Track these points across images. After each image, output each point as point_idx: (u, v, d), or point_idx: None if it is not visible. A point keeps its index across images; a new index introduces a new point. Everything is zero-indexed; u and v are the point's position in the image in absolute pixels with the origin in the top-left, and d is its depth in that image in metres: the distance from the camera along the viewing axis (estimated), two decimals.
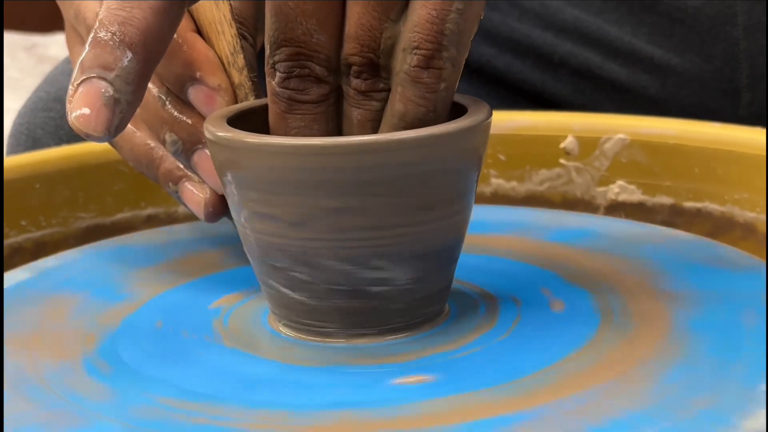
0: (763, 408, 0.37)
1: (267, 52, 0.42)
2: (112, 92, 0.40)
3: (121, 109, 0.40)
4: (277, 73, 0.42)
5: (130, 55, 0.40)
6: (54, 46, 2.61)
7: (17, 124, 0.81)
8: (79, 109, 0.40)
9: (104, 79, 0.40)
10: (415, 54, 0.41)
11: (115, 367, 0.43)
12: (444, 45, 0.41)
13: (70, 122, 0.40)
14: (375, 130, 0.43)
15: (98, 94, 0.40)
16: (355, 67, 0.42)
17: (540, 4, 0.78)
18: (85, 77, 0.40)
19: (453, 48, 0.41)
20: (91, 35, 0.41)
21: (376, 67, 0.42)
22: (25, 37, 2.65)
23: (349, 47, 0.42)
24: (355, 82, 0.42)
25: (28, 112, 0.81)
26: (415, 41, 0.41)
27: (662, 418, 0.37)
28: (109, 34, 0.40)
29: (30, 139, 0.79)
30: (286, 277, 0.43)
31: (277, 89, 0.42)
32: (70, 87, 0.40)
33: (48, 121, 0.79)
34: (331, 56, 0.42)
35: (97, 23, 0.41)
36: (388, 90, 0.42)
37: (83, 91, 0.40)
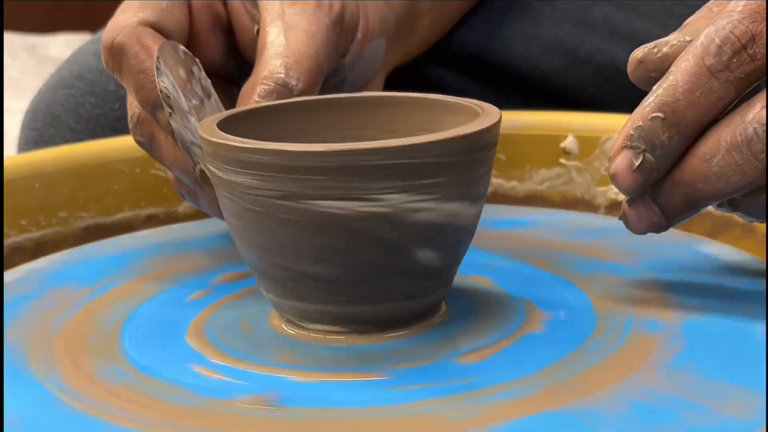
0: (764, 408, 0.37)
1: None
2: (650, 165, 0.43)
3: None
4: None
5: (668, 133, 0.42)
6: (54, 46, 2.60)
7: (36, 101, 0.81)
8: (615, 170, 0.43)
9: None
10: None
11: (117, 366, 0.43)
12: None
13: (609, 174, 0.43)
14: None
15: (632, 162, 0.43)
16: None
17: (572, 4, 0.77)
18: (630, 144, 0.43)
19: None
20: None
21: None
22: (25, 37, 2.65)
23: None
24: None
25: (48, 89, 0.80)
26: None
27: (662, 418, 0.37)
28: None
29: (48, 116, 0.79)
30: (288, 278, 0.43)
31: None
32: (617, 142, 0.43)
33: (68, 99, 0.79)
34: None
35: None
36: None
37: (624, 155, 0.43)
